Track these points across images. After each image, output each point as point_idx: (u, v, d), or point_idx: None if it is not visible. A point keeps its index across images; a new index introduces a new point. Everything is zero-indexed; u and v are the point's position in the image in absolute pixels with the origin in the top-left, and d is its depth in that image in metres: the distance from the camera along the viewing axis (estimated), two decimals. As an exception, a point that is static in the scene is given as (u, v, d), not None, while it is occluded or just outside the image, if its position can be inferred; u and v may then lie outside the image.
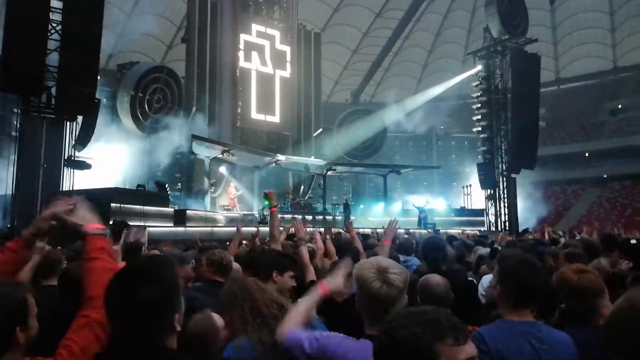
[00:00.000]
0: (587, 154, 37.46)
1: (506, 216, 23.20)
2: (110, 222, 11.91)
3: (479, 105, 23.60)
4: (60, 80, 10.74)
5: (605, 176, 36.17)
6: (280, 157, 20.92)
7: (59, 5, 10.78)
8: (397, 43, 40.14)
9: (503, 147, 23.45)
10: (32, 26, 10.34)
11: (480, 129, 23.80)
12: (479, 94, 23.58)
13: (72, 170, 13.16)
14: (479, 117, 23.66)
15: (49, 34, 10.69)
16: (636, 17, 36.86)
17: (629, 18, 37.33)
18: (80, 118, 12.26)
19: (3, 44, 10.48)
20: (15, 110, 14.17)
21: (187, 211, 15.25)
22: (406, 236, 7.42)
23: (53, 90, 10.92)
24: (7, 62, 10.48)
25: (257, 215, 17.92)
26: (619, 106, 38.51)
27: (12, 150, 12.06)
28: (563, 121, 38.81)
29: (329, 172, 22.74)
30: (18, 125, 11.85)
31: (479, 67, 23.78)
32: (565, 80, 41.75)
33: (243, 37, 22.65)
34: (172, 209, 15.17)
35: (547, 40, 37.69)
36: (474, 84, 23.95)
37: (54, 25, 10.76)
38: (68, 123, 11.79)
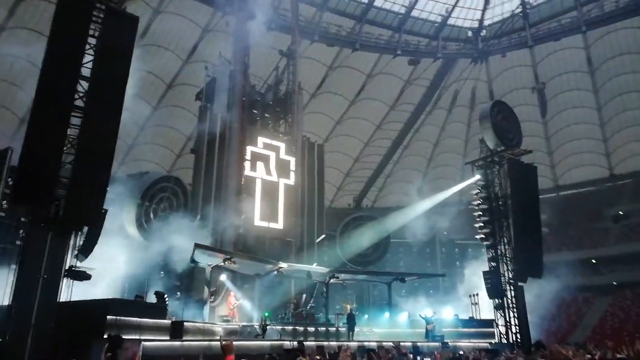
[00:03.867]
0: (594, 261, 36.84)
1: (517, 327, 22.28)
2: (105, 336, 11.62)
3: (480, 212, 23.82)
4: (71, 192, 11.08)
5: (615, 283, 35.26)
6: (283, 265, 20.67)
7: (77, 122, 11.48)
8: (397, 152, 41.77)
9: (508, 255, 23.23)
10: (49, 141, 10.94)
11: (483, 236, 23.76)
12: (479, 201, 23.92)
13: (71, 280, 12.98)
14: (481, 224, 23.75)
15: (65, 148, 11.25)
16: (626, 128, 38.53)
17: (621, 129, 38.92)
18: (85, 228, 12.42)
19: (20, 157, 10.98)
20: (23, 219, 14.42)
21: (185, 323, 14.79)
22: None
23: (62, 201, 11.19)
24: (22, 174, 10.91)
25: (256, 327, 17.29)
26: (620, 213, 38.70)
27: (15, 260, 12.06)
28: (566, 228, 38.76)
29: (332, 280, 22.29)
30: (23, 235, 11.95)
31: (478, 176, 24.39)
32: (563, 187, 42.49)
33: (249, 148, 23.64)
34: (169, 321, 14.72)
35: (542, 150, 39.12)
36: (474, 192, 24.39)
37: (70, 140, 11.38)
38: (72, 233, 11.92)
